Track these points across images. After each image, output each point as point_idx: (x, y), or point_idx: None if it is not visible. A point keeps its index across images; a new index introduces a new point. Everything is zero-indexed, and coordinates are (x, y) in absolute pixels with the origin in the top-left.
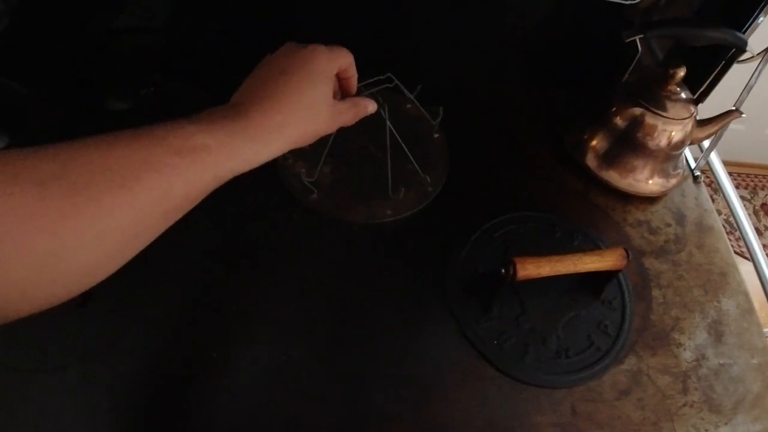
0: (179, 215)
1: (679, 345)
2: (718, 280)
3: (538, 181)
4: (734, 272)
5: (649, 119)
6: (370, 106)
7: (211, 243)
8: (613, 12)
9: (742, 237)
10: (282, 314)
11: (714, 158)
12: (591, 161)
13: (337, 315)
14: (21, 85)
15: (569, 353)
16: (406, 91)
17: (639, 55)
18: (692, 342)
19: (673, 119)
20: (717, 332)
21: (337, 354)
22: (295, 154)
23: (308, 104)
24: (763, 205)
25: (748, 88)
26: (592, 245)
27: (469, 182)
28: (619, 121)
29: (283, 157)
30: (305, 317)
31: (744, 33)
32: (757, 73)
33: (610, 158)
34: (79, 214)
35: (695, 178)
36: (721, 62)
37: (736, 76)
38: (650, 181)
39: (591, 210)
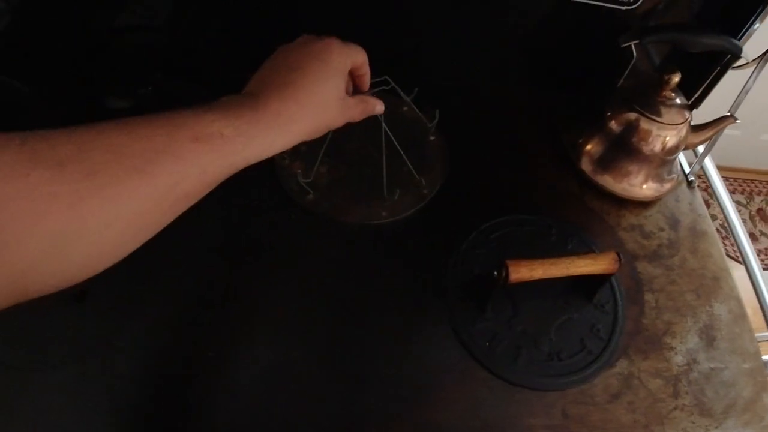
0: (192, 202)
1: (671, 349)
2: (711, 285)
3: (536, 183)
4: (727, 277)
5: (644, 124)
6: (378, 106)
7: (211, 241)
8: (613, 14)
9: (735, 242)
10: (282, 314)
11: (708, 163)
12: (586, 165)
13: (337, 315)
14: (22, 84)
15: (561, 356)
16: (402, 94)
17: (634, 60)
18: (684, 346)
19: (668, 124)
20: (709, 337)
21: (336, 354)
22: (292, 154)
23: (322, 96)
24: (759, 210)
25: (743, 94)
26: (586, 249)
27: (467, 184)
28: (614, 126)
29: (280, 157)
30: (305, 317)
31: (739, 39)
32: (752, 79)
33: (605, 162)
34: (96, 197)
35: (689, 183)
36: (716, 68)
37: (731, 82)
38: (644, 186)
39: (586, 213)
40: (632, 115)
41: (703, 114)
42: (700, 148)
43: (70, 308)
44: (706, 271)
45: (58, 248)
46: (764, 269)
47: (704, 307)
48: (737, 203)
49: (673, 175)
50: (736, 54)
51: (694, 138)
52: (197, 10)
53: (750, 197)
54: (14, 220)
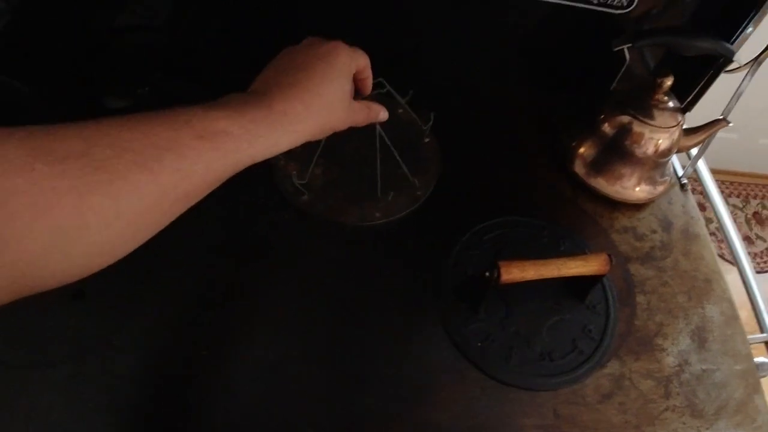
0: (195, 200)
1: (663, 350)
2: (703, 287)
3: (530, 185)
4: (719, 279)
5: (637, 127)
6: (382, 113)
7: (211, 241)
8: (612, 16)
9: (728, 244)
10: (282, 314)
11: (702, 166)
12: (579, 168)
13: (337, 315)
14: (22, 84)
15: (553, 356)
16: (398, 96)
17: (627, 63)
18: (675, 347)
19: (660, 127)
20: (701, 338)
21: (336, 354)
22: (287, 155)
23: (328, 98)
24: (755, 213)
25: (735, 97)
26: (579, 250)
27: (461, 185)
28: (607, 129)
29: (276, 158)
30: (305, 317)
31: (732, 43)
32: (745, 82)
33: (598, 165)
34: (98, 193)
35: (682, 186)
36: (709, 72)
37: (724, 85)
38: (637, 188)
39: (579, 215)
40: (625, 118)
41: (696, 117)
42: (694, 151)
43: (70, 307)
44: (698, 273)
45: (58, 245)
46: (760, 272)
47: (696, 308)
48: (733, 207)
49: (666, 178)
50: (729, 57)
51: (687, 141)
52: (197, 10)
53: (746, 201)
54: (15, 216)
